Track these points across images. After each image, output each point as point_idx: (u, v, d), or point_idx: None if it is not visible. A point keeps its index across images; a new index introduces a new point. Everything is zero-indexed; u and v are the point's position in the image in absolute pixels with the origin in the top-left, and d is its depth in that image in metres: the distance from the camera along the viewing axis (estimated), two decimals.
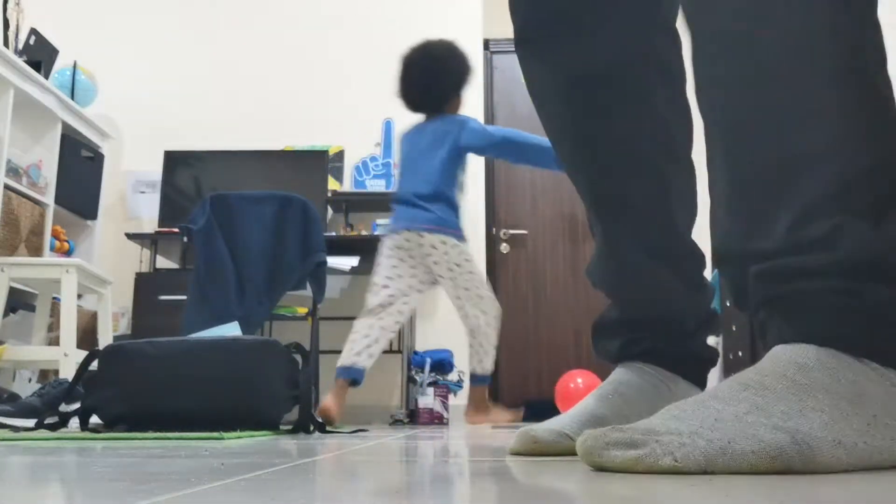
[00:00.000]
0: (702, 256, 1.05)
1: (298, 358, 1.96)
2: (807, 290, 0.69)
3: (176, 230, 3.61)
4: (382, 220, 4.03)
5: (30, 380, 3.59)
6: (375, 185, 4.44)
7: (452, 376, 4.02)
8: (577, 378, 4.03)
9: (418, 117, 4.83)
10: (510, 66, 5.05)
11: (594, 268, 1.08)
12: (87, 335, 3.65)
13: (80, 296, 3.40)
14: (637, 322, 1.03)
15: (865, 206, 0.68)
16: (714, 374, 3.17)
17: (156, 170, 4.35)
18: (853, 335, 0.67)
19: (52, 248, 3.73)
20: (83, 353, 2.13)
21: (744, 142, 0.75)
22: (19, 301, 3.40)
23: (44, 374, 3.63)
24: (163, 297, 3.64)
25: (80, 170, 3.96)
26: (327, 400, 2.64)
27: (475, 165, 4.48)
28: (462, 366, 4.11)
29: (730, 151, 0.77)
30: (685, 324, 1.03)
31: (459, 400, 4.03)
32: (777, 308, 0.72)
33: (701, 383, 1.02)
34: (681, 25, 1.05)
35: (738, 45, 0.75)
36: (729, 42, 0.76)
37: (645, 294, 1.04)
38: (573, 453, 0.90)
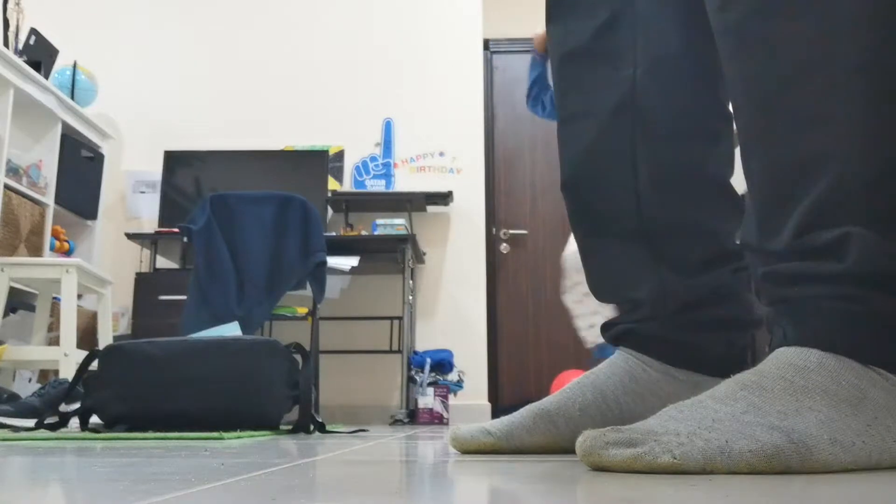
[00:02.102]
0: (707, 234, 0.99)
1: (298, 358, 1.96)
2: (813, 295, 0.69)
3: (176, 230, 3.61)
4: (382, 220, 4.04)
5: (30, 380, 3.59)
6: (375, 185, 4.45)
7: (452, 376, 4.02)
8: (573, 378, 4.03)
9: (418, 117, 4.87)
10: (510, 66, 5.05)
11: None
12: (87, 335, 3.65)
13: (80, 296, 3.40)
14: (607, 301, 1.05)
15: (874, 215, 0.68)
16: None
17: (156, 170, 4.36)
18: (859, 341, 0.67)
19: (52, 248, 3.73)
20: (83, 353, 2.13)
21: (758, 140, 0.75)
22: (19, 301, 3.40)
23: (44, 374, 3.63)
24: (163, 297, 3.64)
25: (80, 170, 3.97)
26: None
27: (475, 165, 4.49)
28: (461, 366, 4.12)
29: (746, 148, 0.77)
30: (651, 306, 0.98)
31: (459, 400, 4.04)
32: (783, 310, 0.72)
33: (703, 369, 0.95)
34: None
35: (750, 45, 0.74)
36: (744, 39, 0.75)
37: (598, 272, 1.04)
38: (492, 450, 0.92)
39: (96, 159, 4.13)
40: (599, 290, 1.07)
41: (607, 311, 3.21)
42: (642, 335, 0.99)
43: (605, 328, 1.05)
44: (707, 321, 0.98)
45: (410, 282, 4.06)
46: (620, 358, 0.99)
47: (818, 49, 0.70)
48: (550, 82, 3.03)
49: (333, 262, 3.49)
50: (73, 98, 3.96)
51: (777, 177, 0.73)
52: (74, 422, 1.84)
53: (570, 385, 0.99)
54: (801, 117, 0.71)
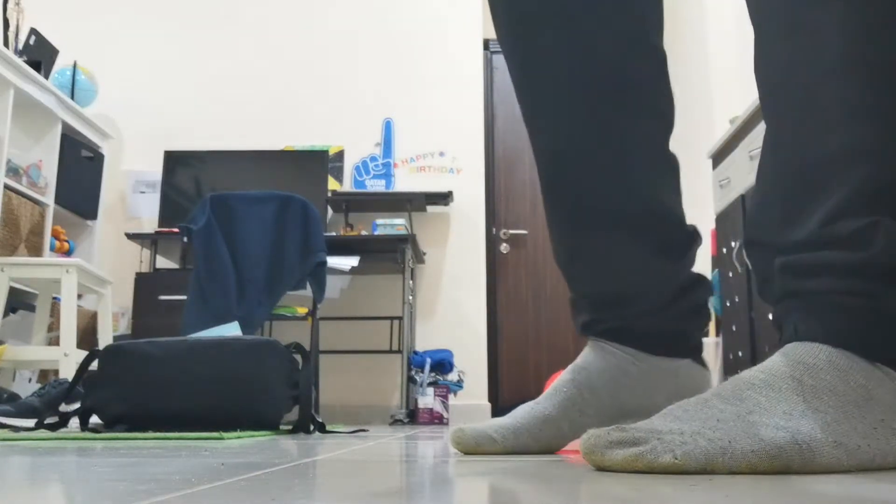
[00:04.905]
0: (677, 217, 0.98)
1: (298, 358, 1.96)
2: (826, 289, 0.69)
3: (176, 230, 3.62)
4: (382, 220, 4.04)
5: (30, 380, 3.59)
6: (375, 185, 4.45)
7: (452, 376, 4.02)
8: None
9: (418, 117, 4.86)
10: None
11: (552, 247, 1.03)
12: (87, 335, 3.65)
13: (80, 296, 3.40)
14: (593, 299, 1.00)
15: None
16: (714, 375, 3.16)
17: (156, 170, 4.36)
18: (868, 338, 0.67)
19: (52, 248, 3.73)
20: (83, 353, 2.13)
21: (789, 132, 0.74)
22: (19, 301, 3.40)
23: (44, 374, 3.63)
24: (163, 297, 3.64)
25: (80, 170, 3.97)
26: None
27: (475, 165, 4.49)
28: (461, 366, 4.12)
29: (775, 140, 0.76)
30: (647, 299, 0.97)
31: (459, 400, 4.04)
32: (795, 303, 0.71)
33: (678, 353, 0.96)
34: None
35: (789, 33, 0.73)
36: (780, 28, 0.74)
37: (592, 268, 0.99)
38: (497, 454, 0.91)
39: (96, 159, 4.13)
40: (586, 285, 1.02)
41: None
42: (637, 330, 0.98)
43: (589, 325, 1.01)
44: (691, 306, 0.99)
45: (410, 282, 4.06)
46: (608, 352, 0.98)
47: (852, 43, 0.69)
48: None
49: (333, 262, 3.49)
50: (73, 98, 3.96)
51: (811, 165, 0.71)
52: (74, 422, 1.84)
53: (564, 384, 0.97)
54: (841, 107, 0.70)
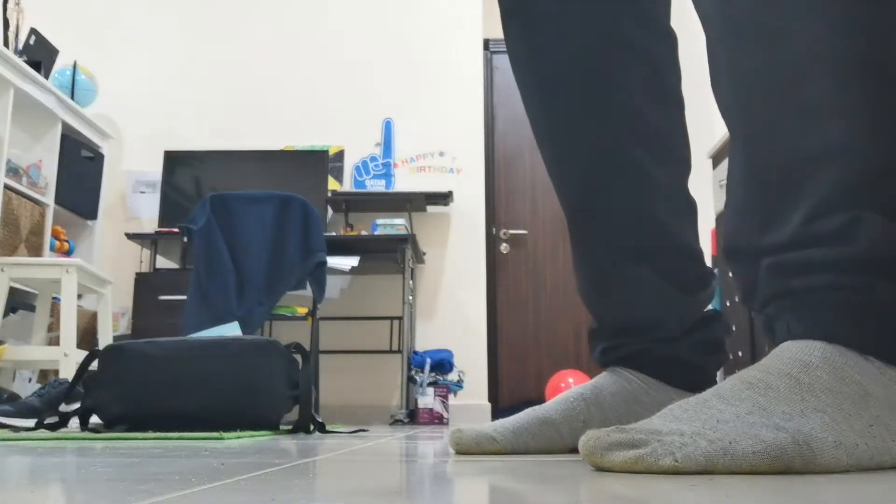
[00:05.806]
0: (697, 255, 1.03)
1: (298, 358, 1.96)
2: (817, 286, 0.69)
3: (176, 230, 3.62)
4: (382, 220, 4.04)
5: (30, 380, 3.59)
6: (375, 185, 4.45)
7: (452, 376, 4.02)
8: (569, 378, 4.05)
9: (418, 117, 4.82)
10: (510, 66, 5.05)
11: (576, 279, 1.07)
12: (87, 335, 3.65)
13: (80, 296, 3.40)
14: (614, 327, 1.03)
15: (885, 203, 0.67)
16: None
17: (156, 170, 4.36)
18: (861, 332, 0.67)
19: (52, 248, 3.73)
20: (83, 353, 2.13)
21: (762, 136, 0.74)
22: (19, 301, 3.40)
23: (44, 374, 3.63)
24: (163, 297, 3.65)
25: (80, 170, 3.97)
26: None
27: (475, 165, 4.49)
28: (461, 366, 4.12)
29: (748, 145, 0.76)
30: (667, 327, 0.99)
31: (459, 400, 4.04)
32: (787, 303, 0.71)
33: (692, 387, 0.96)
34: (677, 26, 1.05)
35: (758, 38, 0.73)
36: (748, 35, 0.74)
37: (616, 299, 1.02)
38: (497, 454, 0.92)
39: (96, 159, 4.13)
40: (608, 315, 1.05)
41: None
42: (654, 356, 0.99)
43: (608, 351, 1.03)
44: (708, 340, 1.01)
45: (410, 282, 4.06)
46: (623, 378, 0.99)
47: (825, 42, 0.69)
48: None
49: (333, 262, 3.49)
50: (73, 98, 3.96)
51: (788, 167, 0.72)
52: (74, 422, 1.84)
53: (573, 396, 0.98)
54: (815, 107, 0.70)
